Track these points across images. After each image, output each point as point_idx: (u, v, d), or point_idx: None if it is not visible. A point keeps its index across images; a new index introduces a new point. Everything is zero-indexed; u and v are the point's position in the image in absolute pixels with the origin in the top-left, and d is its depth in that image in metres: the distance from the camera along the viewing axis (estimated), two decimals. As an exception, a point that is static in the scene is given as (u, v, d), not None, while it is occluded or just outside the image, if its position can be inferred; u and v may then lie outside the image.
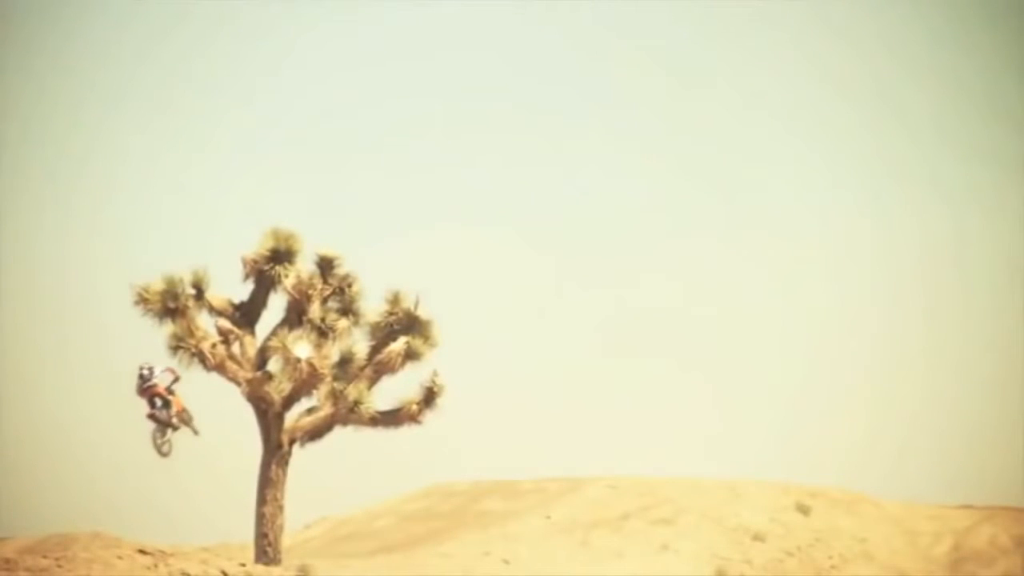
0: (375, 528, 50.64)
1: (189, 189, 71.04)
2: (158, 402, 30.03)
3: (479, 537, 45.54)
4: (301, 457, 30.93)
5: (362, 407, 30.72)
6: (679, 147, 75.52)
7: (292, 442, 30.78)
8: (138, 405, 29.95)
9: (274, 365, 30.52)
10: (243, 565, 26.95)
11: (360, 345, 31.16)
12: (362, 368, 30.98)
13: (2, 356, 53.26)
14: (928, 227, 70.23)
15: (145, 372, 30.08)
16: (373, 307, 31.47)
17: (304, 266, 30.93)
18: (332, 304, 31.10)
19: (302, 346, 30.19)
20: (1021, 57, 64.01)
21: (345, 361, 30.89)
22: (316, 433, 31.02)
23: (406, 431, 31.38)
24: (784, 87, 74.49)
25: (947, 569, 47.10)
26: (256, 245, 30.68)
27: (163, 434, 30.09)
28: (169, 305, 30.07)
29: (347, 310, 31.11)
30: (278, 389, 30.40)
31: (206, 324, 30.46)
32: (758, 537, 47.75)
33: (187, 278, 30.42)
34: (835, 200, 73.22)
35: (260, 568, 28.05)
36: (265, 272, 30.63)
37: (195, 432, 30.66)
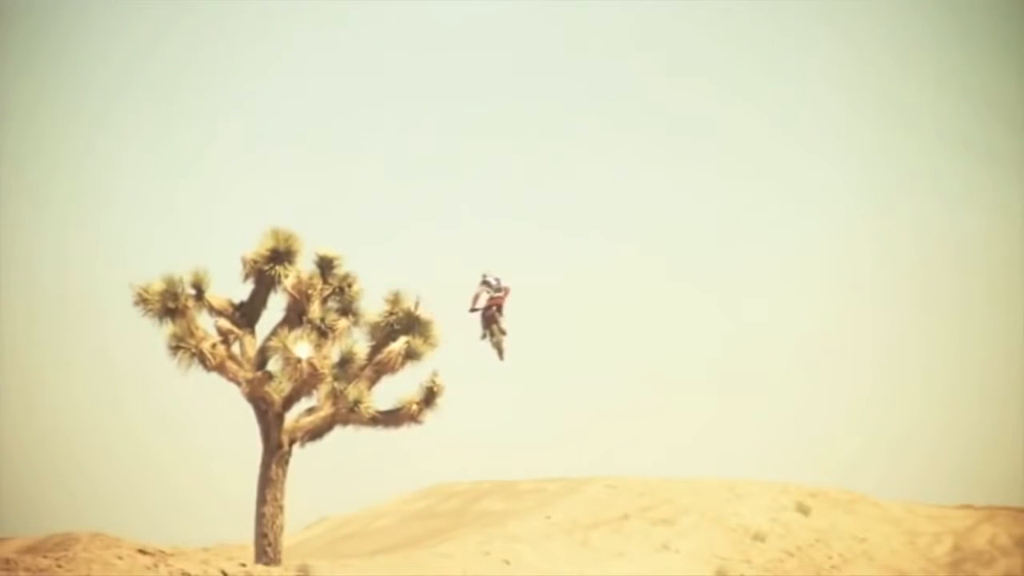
0: (375, 528, 50.59)
1: (189, 189, 71.00)
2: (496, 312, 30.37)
3: (479, 537, 45.46)
4: (301, 457, 30.96)
5: (362, 407, 30.75)
6: (677, 145, 75.54)
7: (292, 442, 30.79)
8: (136, 404, 29.97)
9: (274, 365, 30.56)
10: (243, 565, 26.97)
11: (360, 345, 31.21)
12: (362, 368, 31.01)
13: (2, 356, 53.24)
14: (927, 227, 70.26)
15: (492, 281, 30.33)
16: (373, 307, 31.54)
17: (304, 266, 30.97)
18: (332, 304, 31.14)
19: (302, 346, 30.21)
20: (1020, 55, 64.02)
21: (345, 361, 30.93)
22: (316, 433, 31.05)
23: (406, 431, 31.42)
24: (782, 85, 74.47)
25: (947, 569, 47.05)
26: (256, 245, 30.71)
27: (493, 334, 30.36)
28: (169, 305, 30.10)
29: (347, 310, 31.16)
30: (278, 389, 30.42)
31: (206, 324, 30.50)
32: (758, 537, 47.71)
33: (187, 278, 30.46)
34: (833, 200, 73.20)
35: (260, 568, 28.07)
36: (265, 272, 30.66)
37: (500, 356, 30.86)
